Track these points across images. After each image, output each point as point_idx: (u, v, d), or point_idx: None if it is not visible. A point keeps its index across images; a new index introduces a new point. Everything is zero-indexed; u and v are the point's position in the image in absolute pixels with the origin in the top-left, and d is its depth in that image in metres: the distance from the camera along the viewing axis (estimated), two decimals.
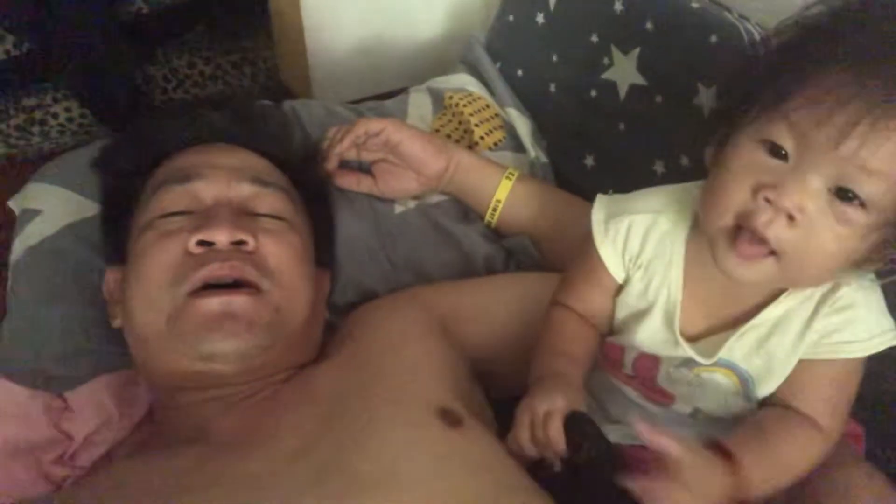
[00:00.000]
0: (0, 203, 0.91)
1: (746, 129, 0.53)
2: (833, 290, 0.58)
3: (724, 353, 0.60)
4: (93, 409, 0.71)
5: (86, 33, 1.32)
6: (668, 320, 0.61)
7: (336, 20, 1.26)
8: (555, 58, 1.01)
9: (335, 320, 0.80)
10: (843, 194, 0.49)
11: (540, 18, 1.02)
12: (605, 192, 0.83)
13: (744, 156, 0.53)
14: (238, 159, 0.74)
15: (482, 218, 0.89)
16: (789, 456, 0.58)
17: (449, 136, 1.00)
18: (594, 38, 0.94)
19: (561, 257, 0.80)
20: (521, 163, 0.99)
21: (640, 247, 0.62)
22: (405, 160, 0.86)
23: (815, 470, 0.59)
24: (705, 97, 0.81)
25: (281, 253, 0.68)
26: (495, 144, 1.00)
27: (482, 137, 1.00)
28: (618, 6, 0.91)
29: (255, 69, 1.61)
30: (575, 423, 0.56)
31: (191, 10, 1.56)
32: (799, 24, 0.54)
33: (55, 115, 1.49)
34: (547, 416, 0.56)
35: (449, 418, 0.61)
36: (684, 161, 0.84)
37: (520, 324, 0.75)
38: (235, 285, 0.64)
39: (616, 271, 0.63)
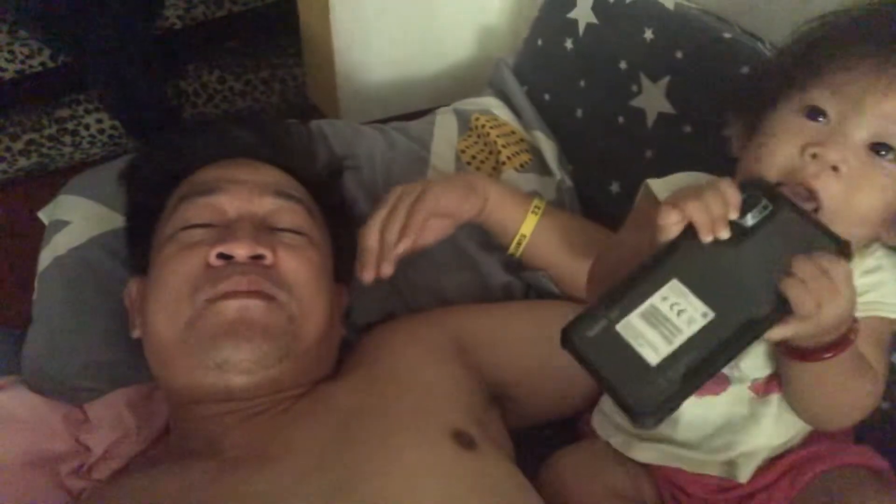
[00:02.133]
0: (31, 211, 0.92)
1: (785, 103, 0.59)
2: (862, 255, 0.61)
3: None
4: (112, 422, 0.71)
5: (119, 48, 1.34)
6: None
7: (365, 40, 1.28)
8: (583, 83, 1.00)
9: (354, 339, 0.80)
10: (878, 148, 0.56)
11: (569, 44, 1.02)
12: None
13: (787, 123, 0.58)
14: (261, 174, 0.75)
15: (506, 248, 0.87)
16: (865, 372, 0.58)
17: (474, 158, 1.00)
18: (623, 65, 0.94)
19: (583, 291, 0.79)
20: (546, 186, 0.98)
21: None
22: (442, 213, 0.82)
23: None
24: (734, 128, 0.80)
25: (299, 268, 0.68)
26: (521, 166, 1.00)
27: (509, 158, 1.00)
28: (648, 34, 0.91)
29: (285, 86, 1.63)
30: (749, 186, 0.54)
31: (222, 26, 1.58)
32: (830, 15, 0.61)
33: (87, 127, 1.51)
34: (717, 186, 0.53)
35: (463, 440, 0.60)
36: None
37: (536, 351, 0.75)
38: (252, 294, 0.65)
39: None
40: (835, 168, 0.55)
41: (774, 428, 0.65)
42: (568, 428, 0.80)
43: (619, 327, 0.50)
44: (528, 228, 0.84)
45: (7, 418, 0.69)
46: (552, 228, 0.85)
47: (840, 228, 0.55)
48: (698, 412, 0.67)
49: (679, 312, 0.50)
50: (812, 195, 0.56)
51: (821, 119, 0.58)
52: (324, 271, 0.73)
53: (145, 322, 0.69)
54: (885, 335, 0.62)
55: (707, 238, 0.52)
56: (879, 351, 0.61)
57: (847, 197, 0.56)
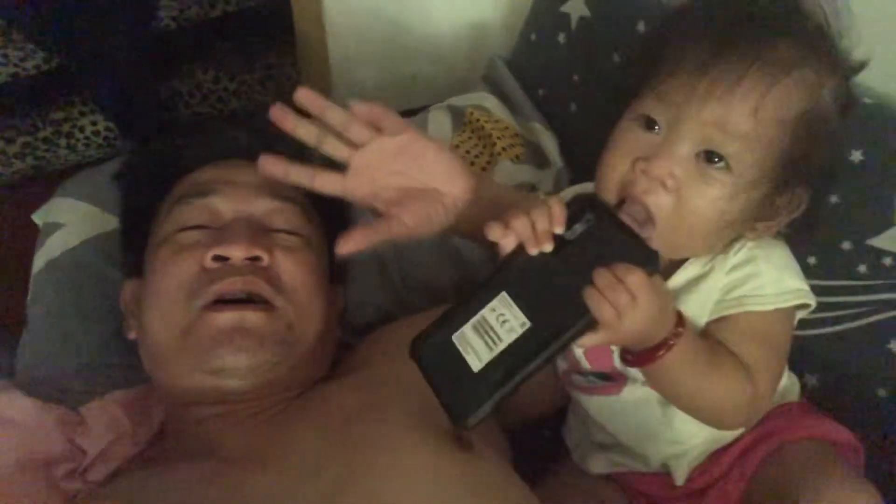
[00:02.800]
0: (27, 214, 0.92)
1: (627, 112, 0.59)
2: (727, 255, 0.60)
3: None
4: (107, 424, 0.71)
5: (112, 49, 1.34)
6: None
7: (359, 39, 1.27)
8: (576, 77, 1.00)
9: (348, 339, 0.80)
10: (708, 157, 0.54)
11: (562, 38, 1.02)
12: None
13: (623, 133, 0.58)
14: (256, 175, 0.74)
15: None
16: (719, 377, 0.57)
17: (468, 153, 1.00)
18: (616, 58, 0.93)
19: None
20: (542, 178, 0.98)
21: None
22: (429, 176, 0.64)
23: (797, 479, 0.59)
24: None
25: (295, 270, 0.68)
26: (516, 157, 0.99)
27: (504, 149, 0.99)
28: (641, 26, 0.90)
29: (279, 86, 1.63)
30: (575, 202, 0.57)
31: (216, 26, 1.58)
32: (668, 10, 0.61)
33: (82, 129, 1.51)
34: (544, 203, 0.55)
35: (459, 441, 0.60)
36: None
37: None
38: (248, 300, 0.64)
39: None
40: (663, 183, 0.54)
41: (689, 429, 0.65)
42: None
43: (454, 337, 0.54)
44: None
45: (1, 421, 0.69)
46: None
47: (679, 241, 0.58)
48: (607, 412, 0.69)
49: (503, 322, 0.53)
50: (646, 211, 0.55)
51: (655, 129, 0.56)
52: (320, 272, 0.72)
53: (141, 325, 0.69)
54: (765, 327, 0.60)
55: (532, 251, 0.54)
56: (754, 344, 0.59)
57: (678, 210, 0.55)
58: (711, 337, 0.60)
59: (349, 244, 0.61)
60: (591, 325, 0.51)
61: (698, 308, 0.61)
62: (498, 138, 1.00)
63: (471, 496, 0.57)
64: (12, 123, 1.47)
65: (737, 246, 0.61)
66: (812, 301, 0.62)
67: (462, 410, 0.51)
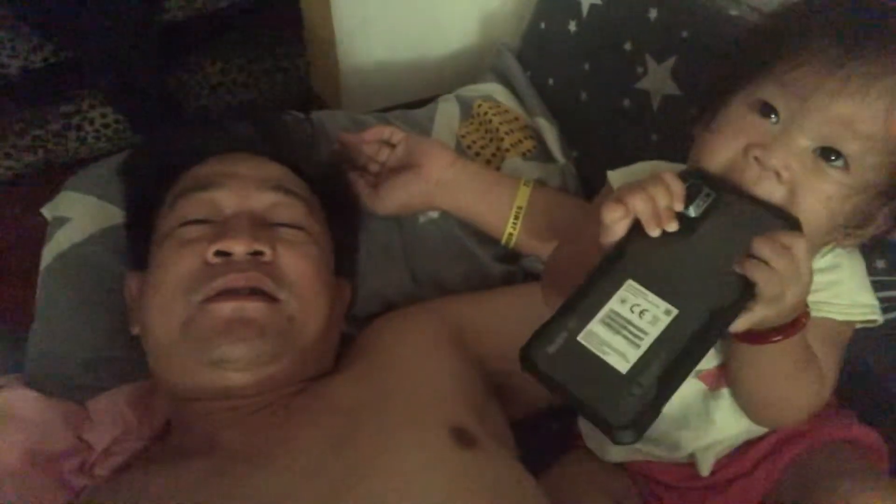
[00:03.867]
0: (37, 207, 0.92)
1: (738, 93, 0.55)
2: (814, 257, 0.58)
3: None
4: (113, 419, 0.71)
5: (119, 40, 1.34)
6: None
7: (367, 29, 1.26)
8: (587, 66, 0.98)
9: (355, 332, 0.79)
10: (826, 154, 0.52)
11: (572, 26, 1.00)
12: None
13: (735, 117, 0.55)
14: (260, 169, 0.74)
15: (499, 237, 0.84)
16: (808, 367, 0.57)
17: (474, 143, 0.99)
18: (628, 47, 0.92)
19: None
20: (550, 173, 0.97)
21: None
22: (413, 150, 0.83)
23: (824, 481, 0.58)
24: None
25: (298, 264, 0.68)
26: (526, 153, 0.98)
27: (512, 145, 0.98)
28: (652, 13, 0.88)
29: (287, 77, 1.61)
30: (689, 175, 0.54)
31: (224, 17, 1.57)
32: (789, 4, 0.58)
33: (91, 121, 1.51)
34: (659, 178, 0.52)
35: (463, 438, 0.60)
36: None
37: None
38: (251, 293, 0.64)
39: None
40: (777, 173, 0.52)
41: (728, 422, 0.64)
42: (574, 420, 0.79)
43: (580, 338, 0.47)
44: (522, 200, 0.81)
45: (8, 416, 0.69)
46: (547, 201, 0.83)
47: None
48: None
49: (641, 313, 0.48)
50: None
51: (772, 117, 0.53)
52: (324, 267, 0.72)
53: (143, 319, 0.69)
54: (834, 335, 0.60)
55: (654, 232, 0.51)
56: (827, 349, 0.59)
57: (789, 203, 0.52)
58: None
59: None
60: (749, 301, 0.47)
61: None
62: (506, 133, 0.98)
63: (474, 493, 0.56)
64: (22, 116, 1.47)
65: (824, 249, 0.59)
66: (880, 318, 0.61)
67: (623, 420, 0.44)
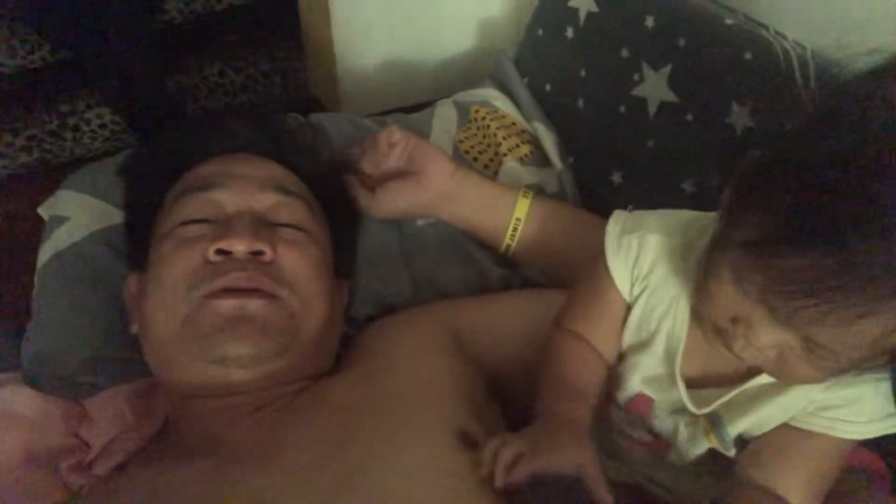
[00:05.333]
0: (33, 207, 0.92)
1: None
2: None
3: (717, 408, 0.58)
4: (111, 418, 0.71)
5: (118, 42, 1.34)
6: (670, 356, 0.59)
7: (366, 33, 1.27)
8: (584, 73, 0.99)
9: (353, 333, 0.80)
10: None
11: (570, 33, 1.01)
12: (628, 210, 0.82)
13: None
14: (260, 169, 0.74)
15: (497, 247, 0.84)
16: None
17: (472, 148, 0.99)
18: (625, 54, 0.93)
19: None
20: (547, 177, 0.97)
21: (651, 267, 0.59)
22: (416, 159, 0.82)
23: None
24: (738, 116, 0.79)
25: (299, 264, 0.68)
26: (524, 158, 0.99)
27: (510, 150, 0.99)
28: (649, 21, 0.89)
29: (286, 79, 1.63)
30: (535, 487, 0.53)
31: (223, 20, 1.58)
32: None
33: (88, 122, 1.51)
34: (516, 461, 0.53)
35: (464, 440, 0.60)
36: (714, 181, 0.82)
37: (535, 340, 0.74)
38: (252, 291, 0.64)
39: (624, 287, 0.60)
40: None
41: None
42: None
43: None
44: (521, 211, 0.82)
45: (6, 415, 0.69)
46: (546, 213, 0.83)
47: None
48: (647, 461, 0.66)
49: None
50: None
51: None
52: (324, 267, 0.72)
53: (143, 318, 0.69)
54: (839, 457, 0.57)
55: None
56: (824, 476, 0.56)
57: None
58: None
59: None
60: None
61: (780, 411, 0.57)
62: (504, 138, 0.99)
63: (475, 494, 0.56)
64: (19, 116, 1.47)
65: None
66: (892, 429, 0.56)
67: None
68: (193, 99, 1.57)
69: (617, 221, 0.62)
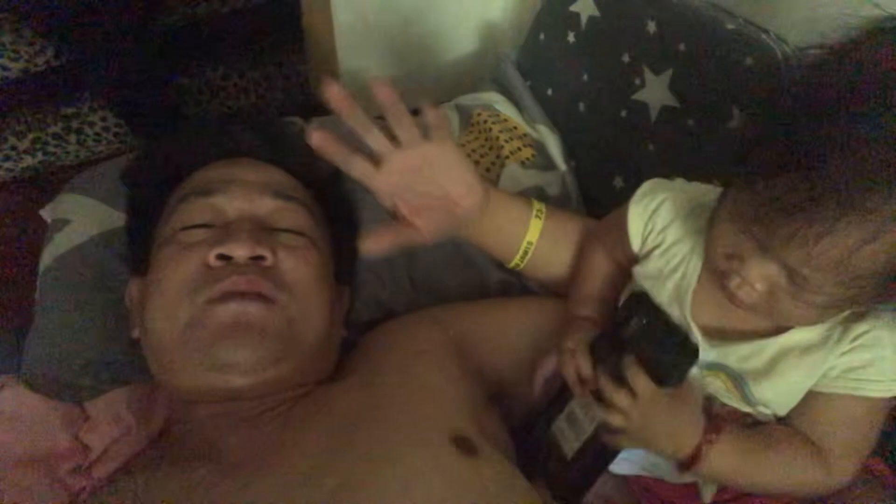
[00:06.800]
0: (36, 209, 0.92)
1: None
2: (847, 327, 0.57)
3: (726, 358, 0.61)
4: (111, 421, 0.71)
5: (121, 45, 1.34)
6: (680, 299, 0.63)
7: (368, 37, 1.27)
8: (585, 77, 0.99)
9: (354, 337, 0.80)
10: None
11: (571, 37, 1.01)
12: None
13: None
14: (261, 174, 0.74)
15: (505, 263, 0.81)
16: (779, 470, 0.59)
17: (474, 151, 1.00)
18: (626, 58, 0.93)
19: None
20: (550, 181, 0.98)
21: (668, 222, 0.65)
22: (448, 186, 0.71)
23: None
24: (739, 121, 0.79)
25: (299, 269, 0.68)
26: (525, 161, 0.99)
27: (511, 153, 0.99)
28: (651, 26, 0.89)
29: (288, 83, 1.63)
30: (627, 302, 0.65)
31: (225, 23, 1.58)
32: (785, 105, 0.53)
33: (92, 125, 1.51)
34: (572, 350, 0.65)
35: (464, 446, 0.60)
36: (716, 185, 0.82)
37: (534, 347, 0.74)
38: (252, 296, 0.64)
39: (634, 237, 0.67)
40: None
41: None
42: None
43: (553, 427, 0.68)
44: (534, 235, 0.79)
45: (7, 417, 0.69)
46: (556, 232, 0.80)
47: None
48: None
49: (586, 413, 0.64)
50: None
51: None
52: (325, 272, 0.72)
53: (144, 322, 0.69)
54: (874, 417, 0.59)
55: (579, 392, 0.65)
56: (861, 437, 0.59)
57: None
58: (769, 428, 0.61)
59: (373, 244, 0.69)
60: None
61: (805, 375, 0.58)
62: (505, 142, 0.99)
63: (475, 500, 0.56)
64: (22, 119, 1.47)
65: (861, 323, 0.57)
66: None
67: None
68: (196, 102, 1.57)
69: (649, 184, 0.69)
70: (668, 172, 0.87)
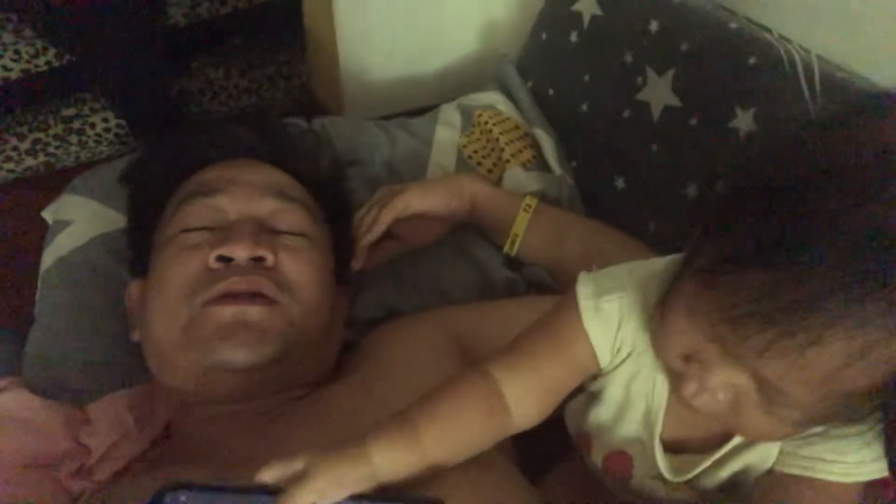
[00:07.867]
0: (38, 210, 0.92)
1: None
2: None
3: (696, 475, 0.54)
4: (112, 423, 0.71)
5: (122, 46, 1.34)
6: (649, 422, 0.55)
7: (369, 37, 1.27)
8: (587, 77, 0.99)
9: (356, 337, 0.79)
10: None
11: (573, 37, 1.01)
12: (635, 214, 0.81)
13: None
14: (262, 175, 0.74)
15: (502, 246, 0.87)
16: None
17: (476, 153, 0.99)
18: (628, 58, 0.92)
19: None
20: (550, 183, 0.97)
21: (635, 332, 0.53)
22: (422, 214, 0.84)
23: None
24: (743, 120, 0.78)
25: (300, 270, 0.68)
26: (527, 163, 0.99)
27: (513, 155, 0.99)
28: (653, 26, 0.89)
29: (290, 83, 1.63)
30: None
31: (227, 23, 1.58)
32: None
33: (93, 125, 1.51)
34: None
35: None
36: (719, 185, 0.81)
37: None
38: (252, 297, 0.64)
39: (603, 355, 0.54)
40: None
41: None
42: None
43: None
44: (520, 227, 0.85)
45: (7, 419, 0.69)
46: (544, 226, 0.85)
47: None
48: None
49: None
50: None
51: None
52: (325, 273, 0.72)
53: (144, 324, 0.69)
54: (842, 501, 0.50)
55: None
56: None
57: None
58: None
59: (363, 262, 0.80)
60: None
61: (759, 459, 0.52)
62: (507, 143, 0.99)
63: (474, 499, 0.56)
64: (23, 120, 1.48)
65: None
66: (886, 472, 0.49)
67: None
68: (197, 103, 1.57)
69: (587, 283, 0.55)
70: (670, 173, 0.88)
